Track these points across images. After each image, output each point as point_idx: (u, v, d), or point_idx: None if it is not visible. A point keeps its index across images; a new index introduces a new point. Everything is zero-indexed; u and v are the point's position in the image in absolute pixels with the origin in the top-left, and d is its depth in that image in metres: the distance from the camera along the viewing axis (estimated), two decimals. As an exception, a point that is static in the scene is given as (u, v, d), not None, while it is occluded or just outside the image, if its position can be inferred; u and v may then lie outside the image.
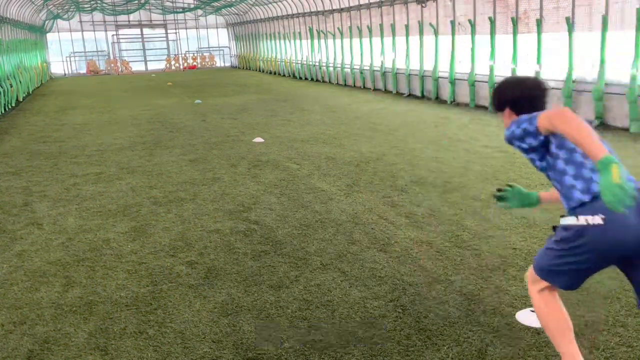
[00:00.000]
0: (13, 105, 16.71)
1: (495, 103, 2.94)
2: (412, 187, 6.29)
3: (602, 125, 9.65)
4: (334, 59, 20.43)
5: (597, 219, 2.31)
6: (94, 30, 35.13)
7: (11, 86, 17.17)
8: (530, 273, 2.69)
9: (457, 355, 3.03)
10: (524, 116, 2.60)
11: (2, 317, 3.66)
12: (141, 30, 36.72)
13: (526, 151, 2.66)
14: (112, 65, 34.78)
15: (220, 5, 30.94)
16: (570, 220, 2.40)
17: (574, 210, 2.41)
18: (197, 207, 5.88)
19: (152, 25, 36.94)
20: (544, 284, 2.60)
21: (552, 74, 10.84)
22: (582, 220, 2.35)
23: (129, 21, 35.93)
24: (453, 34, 13.29)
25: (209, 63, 37.20)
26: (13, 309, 3.77)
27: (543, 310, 2.64)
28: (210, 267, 4.32)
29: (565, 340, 2.59)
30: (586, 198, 2.39)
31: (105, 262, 4.51)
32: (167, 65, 35.96)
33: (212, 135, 10.38)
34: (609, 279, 3.81)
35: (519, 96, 2.81)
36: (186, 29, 37.31)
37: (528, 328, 3.25)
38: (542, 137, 2.53)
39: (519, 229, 4.86)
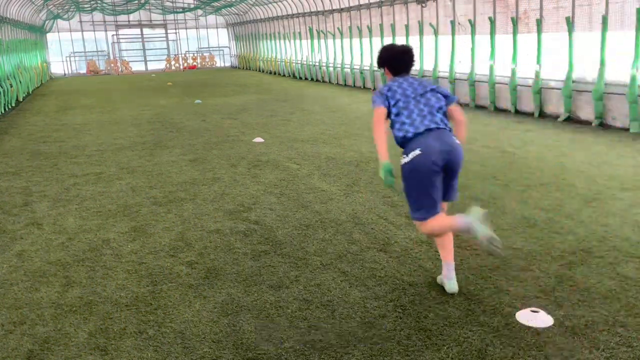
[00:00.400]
0: (13, 105, 16.71)
1: (379, 62, 4.03)
2: (412, 187, 6.29)
3: (602, 125, 9.66)
4: (334, 59, 20.43)
5: (417, 152, 3.58)
6: (94, 30, 35.13)
7: (11, 86, 17.17)
8: (421, 228, 3.74)
9: (457, 355, 3.03)
10: (379, 94, 3.80)
11: (2, 317, 3.66)
12: (141, 30, 36.72)
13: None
14: (112, 65, 34.78)
15: (220, 5, 30.94)
16: (405, 159, 3.67)
17: (406, 148, 3.69)
18: (197, 207, 5.88)
19: (152, 25, 36.94)
20: (426, 222, 3.64)
21: (552, 74, 10.84)
22: (411, 155, 3.61)
23: (129, 21, 35.93)
24: (453, 34, 13.29)
25: (209, 63, 37.20)
26: (13, 309, 3.77)
27: (431, 230, 3.67)
28: (210, 267, 4.32)
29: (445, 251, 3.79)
30: (407, 134, 3.67)
31: (105, 262, 4.51)
32: (167, 65, 35.96)
33: (212, 135, 10.38)
34: (609, 279, 3.82)
35: (390, 58, 3.98)
36: (186, 29, 37.32)
37: (528, 328, 3.25)
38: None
39: (519, 229, 4.86)
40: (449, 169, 3.67)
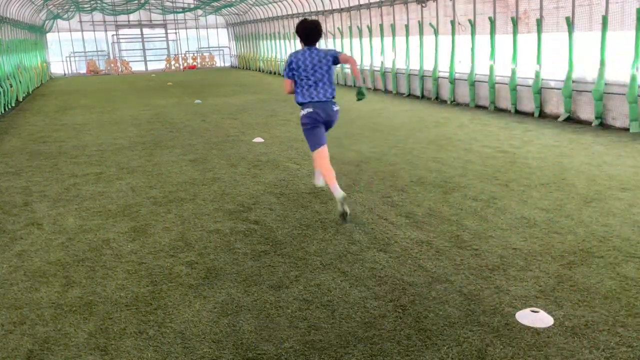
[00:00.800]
0: (13, 105, 16.71)
1: (297, 34, 5.50)
2: (412, 187, 6.29)
3: (602, 125, 9.66)
4: (334, 59, 20.41)
5: (307, 110, 5.42)
6: (94, 30, 35.14)
7: (11, 86, 17.17)
8: (314, 158, 5.65)
9: (457, 355, 3.03)
10: (287, 67, 5.47)
11: (2, 317, 3.66)
12: (141, 30, 36.73)
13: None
14: (112, 65, 34.79)
15: (220, 5, 30.95)
16: (302, 112, 5.48)
17: (302, 107, 5.48)
18: (197, 207, 5.88)
19: (152, 25, 36.95)
20: (315, 152, 5.57)
21: (552, 74, 10.84)
22: (305, 111, 5.43)
23: (128, 21, 35.94)
24: (453, 34, 13.29)
25: (209, 63, 37.21)
26: (13, 309, 3.77)
27: (314, 158, 5.65)
28: (210, 267, 4.32)
29: (328, 178, 5.46)
30: (305, 100, 5.43)
31: (105, 262, 4.51)
32: (167, 65, 35.97)
33: (212, 135, 10.38)
34: (609, 279, 3.82)
35: (300, 32, 5.47)
36: (186, 29, 37.32)
37: (528, 328, 3.25)
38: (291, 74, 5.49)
39: (519, 229, 4.86)
40: (327, 125, 5.60)
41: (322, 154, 5.55)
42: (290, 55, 5.47)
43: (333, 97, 5.51)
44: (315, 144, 5.56)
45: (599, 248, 4.37)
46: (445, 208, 5.51)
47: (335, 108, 5.52)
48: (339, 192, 5.25)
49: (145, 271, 4.30)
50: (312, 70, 5.40)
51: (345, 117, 12.00)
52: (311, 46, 5.49)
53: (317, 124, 5.49)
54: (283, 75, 5.57)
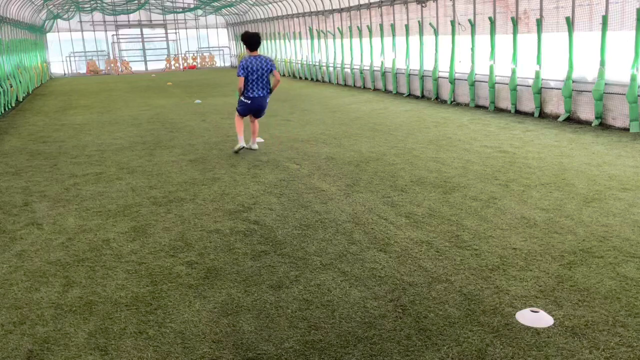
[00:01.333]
0: (13, 105, 16.71)
1: (242, 42, 8.22)
2: (412, 187, 6.29)
3: (602, 125, 9.66)
4: (334, 59, 20.43)
5: (248, 101, 8.30)
6: (94, 30, 35.14)
7: (11, 86, 17.17)
8: (236, 116, 8.51)
9: (457, 355, 3.03)
10: (242, 67, 8.09)
11: (2, 317, 3.66)
12: (141, 30, 36.73)
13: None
14: (112, 65, 34.79)
15: (220, 5, 30.94)
16: (243, 99, 8.32)
17: (244, 96, 8.31)
18: (197, 207, 5.88)
19: (152, 25, 36.94)
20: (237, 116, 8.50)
21: (552, 74, 10.84)
22: (245, 100, 8.31)
23: (129, 21, 35.94)
24: (453, 34, 13.29)
25: (209, 63, 37.21)
26: (13, 309, 3.77)
27: (236, 120, 8.57)
28: (210, 267, 4.32)
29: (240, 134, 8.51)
30: (249, 95, 8.25)
31: (105, 262, 4.51)
32: (167, 65, 35.97)
33: (212, 135, 10.39)
34: (609, 279, 3.82)
35: (245, 40, 8.14)
36: (186, 29, 37.32)
37: (528, 328, 3.25)
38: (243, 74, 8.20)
39: (519, 229, 4.86)
40: (257, 111, 8.47)
41: (238, 123, 8.52)
42: (243, 60, 8.14)
43: (268, 92, 8.29)
44: (242, 114, 8.45)
45: (599, 248, 4.37)
46: (445, 208, 5.51)
47: (268, 99, 8.48)
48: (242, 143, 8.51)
49: (145, 271, 4.30)
50: (258, 74, 8.12)
51: (345, 117, 12.01)
52: (256, 53, 8.22)
53: (249, 110, 8.43)
54: (238, 74, 8.18)
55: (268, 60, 8.09)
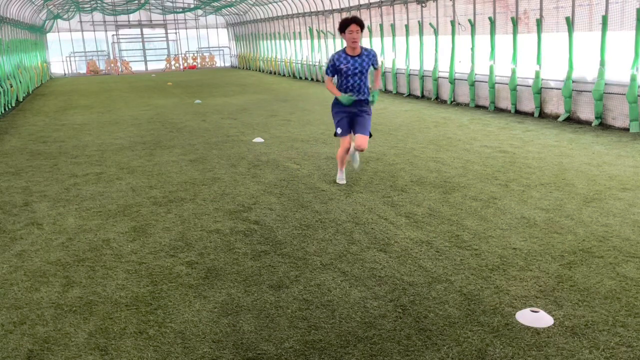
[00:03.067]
0: (13, 105, 16.71)
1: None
2: (412, 187, 6.29)
3: (602, 125, 9.66)
4: (334, 59, 20.41)
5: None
6: (94, 30, 35.14)
7: (11, 86, 17.17)
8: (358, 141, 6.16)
9: (457, 355, 3.03)
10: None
11: (2, 317, 3.66)
12: (141, 30, 36.73)
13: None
14: (112, 65, 34.79)
15: (220, 5, 30.94)
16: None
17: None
18: (197, 207, 5.88)
19: (152, 25, 36.94)
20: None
21: (552, 74, 10.84)
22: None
23: (129, 21, 35.93)
24: (453, 34, 13.29)
25: (209, 63, 37.21)
26: (13, 309, 3.77)
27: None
28: (210, 267, 4.32)
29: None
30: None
31: (105, 262, 4.51)
32: (167, 65, 35.96)
33: (212, 135, 10.39)
34: (609, 279, 3.82)
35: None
36: (186, 29, 37.32)
37: (528, 328, 3.25)
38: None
39: (519, 229, 4.86)
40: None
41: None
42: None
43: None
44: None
45: (599, 248, 4.37)
46: (445, 208, 5.51)
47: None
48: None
49: (145, 271, 4.30)
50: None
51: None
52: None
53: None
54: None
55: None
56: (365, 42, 18.24)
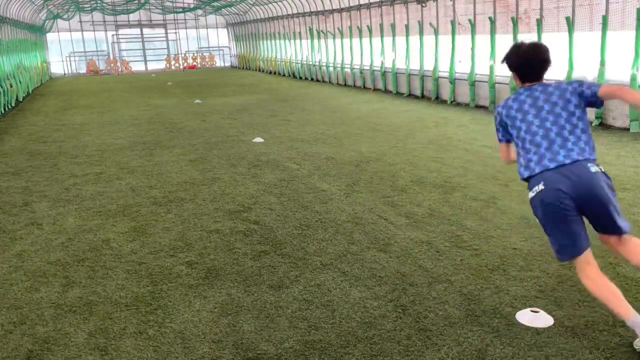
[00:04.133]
0: (13, 105, 16.70)
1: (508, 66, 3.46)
2: (412, 187, 6.29)
3: (602, 125, 9.66)
4: (334, 59, 20.43)
5: (540, 186, 3.27)
6: (94, 30, 35.12)
7: (11, 86, 17.16)
8: (578, 269, 3.19)
9: (457, 355, 3.03)
10: (497, 120, 3.72)
11: (2, 317, 3.66)
12: (141, 30, 36.71)
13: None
14: (112, 65, 34.77)
15: (220, 5, 30.94)
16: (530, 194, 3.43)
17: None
18: (197, 207, 5.88)
19: (152, 25, 36.93)
20: (580, 263, 3.15)
21: (552, 74, 10.82)
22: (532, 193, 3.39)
23: (129, 21, 35.92)
24: (453, 34, 13.29)
25: (209, 63, 37.19)
26: (13, 309, 3.77)
27: (593, 288, 3.08)
28: (210, 267, 4.32)
29: (618, 302, 2.97)
30: (533, 169, 3.34)
31: (105, 262, 4.51)
32: (167, 65, 35.95)
33: (212, 135, 10.38)
34: (609, 279, 3.81)
35: (515, 61, 3.38)
36: (186, 28, 37.30)
37: (528, 328, 3.25)
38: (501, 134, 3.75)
39: (519, 229, 4.86)
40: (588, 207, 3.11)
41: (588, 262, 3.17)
42: (503, 104, 3.57)
43: (588, 155, 3.15)
44: (567, 246, 3.15)
45: (598, 248, 4.36)
46: (445, 208, 5.51)
47: (593, 170, 3.10)
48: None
49: (145, 271, 4.30)
50: (541, 122, 3.26)
51: (345, 117, 12.00)
52: (536, 84, 3.41)
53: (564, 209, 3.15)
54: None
55: (555, 88, 3.34)
56: (365, 42, 18.26)
